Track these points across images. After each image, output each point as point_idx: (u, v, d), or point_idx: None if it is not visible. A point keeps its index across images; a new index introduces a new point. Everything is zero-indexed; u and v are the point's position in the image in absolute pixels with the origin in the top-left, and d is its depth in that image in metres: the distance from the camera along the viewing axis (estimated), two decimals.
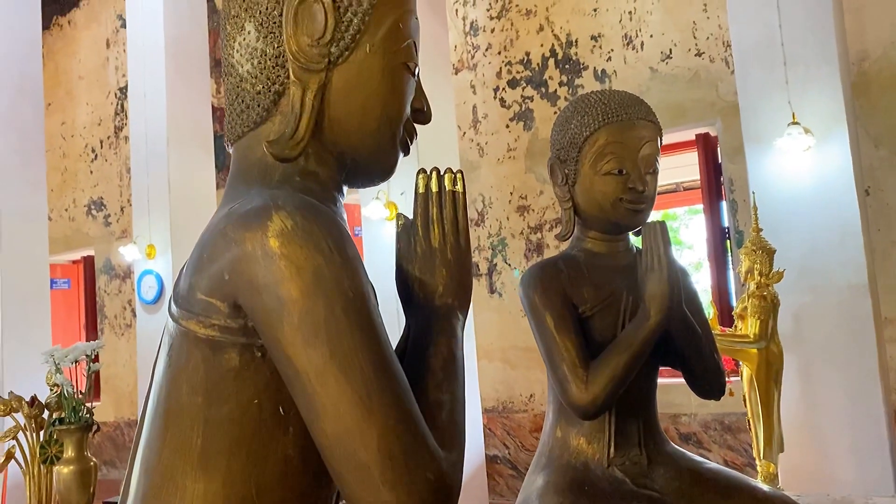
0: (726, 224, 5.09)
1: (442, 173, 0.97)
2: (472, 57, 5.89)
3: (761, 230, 2.84)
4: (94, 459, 1.99)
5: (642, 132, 1.75)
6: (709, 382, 1.79)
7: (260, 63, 0.88)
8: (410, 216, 0.99)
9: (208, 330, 0.76)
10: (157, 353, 0.88)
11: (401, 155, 0.97)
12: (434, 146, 4.52)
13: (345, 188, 0.96)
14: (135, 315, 7.57)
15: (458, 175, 0.97)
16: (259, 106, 0.89)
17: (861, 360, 3.21)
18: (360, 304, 0.73)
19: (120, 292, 8.10)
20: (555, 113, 5.47)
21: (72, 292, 8.52)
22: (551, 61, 5.54)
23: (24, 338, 5.64)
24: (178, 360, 0.78)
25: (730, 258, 5.13)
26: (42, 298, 5.88)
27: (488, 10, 5.85)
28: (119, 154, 8.14)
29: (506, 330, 5.54)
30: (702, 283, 9.07)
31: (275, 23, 0.87)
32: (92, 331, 8.40)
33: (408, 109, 0.94)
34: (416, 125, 0.97)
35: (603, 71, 5.35)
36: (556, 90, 5.53)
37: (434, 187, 0.96)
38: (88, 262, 8.54)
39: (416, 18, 0.95)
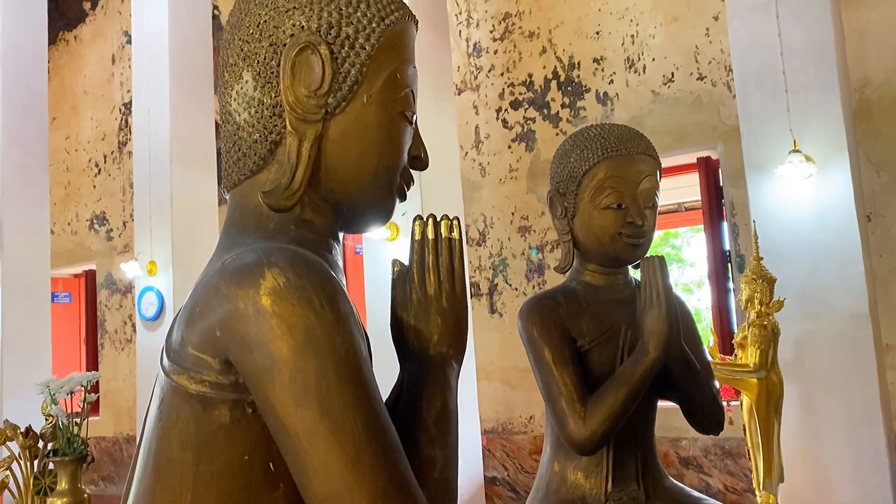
0: (727, 247, 5.09)
1: (439, 220, 0.97)
2: (475, 78, 5.91)
3: (762, 259, 2.84)
4: (87, 491, 1.98)
5: (641, 166, 1.76)
6: (707, 418, 1.79)
7: (257, 112, 0.88)
8: (406, 261, 0.99)
9: (199, 386, 0.76)
10: (150, 402, 0.88)
11: (398, 201, 0.97)
12: (436, 166, 4.52)
13: (340, 235, 0.96)
14: (135, 330, 7.57)
15: (455, 222, 0.97)
16: (255, 155, 0.89)
17: (862, 389, 3.19)
18: (351, 362, 0.73)
19: (121, 307, 8.10)
20: (556, 135, 5.48)
21: (73, 306, 8.52)
22: (553, 83, 5.56)
23: (24, 351, 5.65)
24: (169, 415, 0.78)
25: (731, 281, 5.12)
26: (43, 312, 5.89)
27: (491, 32, 5.88)
28: (122, 169, 8.17)
29: (506, 350, 5.53)
30: (703, 302, 9.06)
31: (272, 73, 0.87)
32: (92, 345, 8.39)
33: (405, 157, 0.94)
34: (413, 171, 0.97)
35: (605, 94, 5.37)
36: (558, 112, 5.55)
37: (431, 234, 0.96)
38: (90, 276, 8.55)
39: (415, 67, 0.95)
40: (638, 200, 1.74)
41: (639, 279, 1.89)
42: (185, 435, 0.77)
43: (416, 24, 0.97)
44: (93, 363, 8.32)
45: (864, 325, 3.20)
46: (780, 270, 2.92)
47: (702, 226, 5.38)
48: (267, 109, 0.88)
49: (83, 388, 1.89)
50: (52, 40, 8.35)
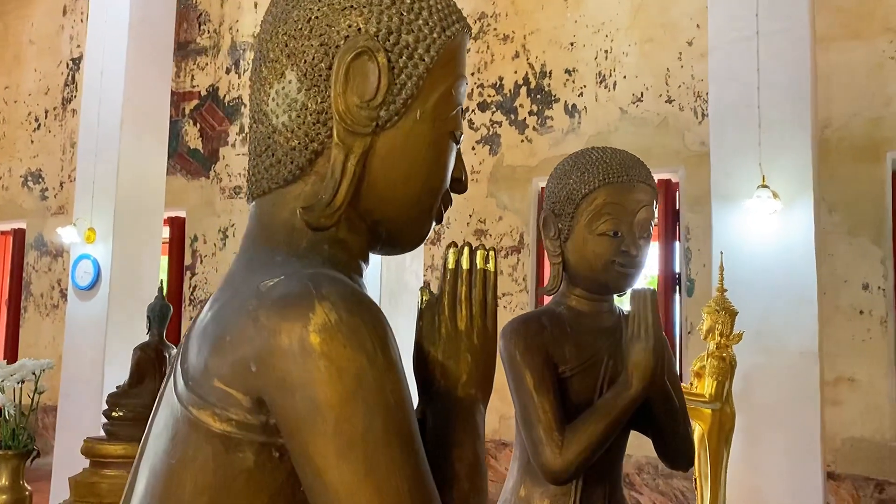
0: (678, 269, 5.16)
1: (474, 248, 0.91)
2: None
3: (726, 291, 2.86)
4: (28, 488, 1.83)
5: (640, 195, 1.73)
6: (679, 453, 1.78)
7: (299, 117, 0.80)
8: (433, 289, 0.92)
9: (224, 424, 0.68)
10: (150, 424, 0.79)
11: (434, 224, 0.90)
12: None
13: (370, 257, 0.88)
14: (63, 297, 7.25)
15: (491, 253, 0.91)
16: (292, 163, 0.81)
17: (804, 425, 3.26)
18: (401, 414, 0.66)
19: (49, 270, 7.75)
20: (521, 141, 5.46)
21: None
22: (524, 89, 5.54)
23: None
24: (185, 453, 0.69)
25: (677, 305, 5.19)
26: None
27: None
28: (65, 127, 7.80)
29: None
30: None
31: (320, 76, 0.79)
32: (15, 307, 8.00)
33: (448, 180, 0.87)
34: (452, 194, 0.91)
35: (574, 105, 5.37)
36: (525, 118, 5.53)
37: (465, 264, 0.89)
38: (19, 235, 8.14)
39: (466, 82, 0.88)
40: (634, 230, 1.71)
41: (622, 308, 1.86)
42: (202, 477, 0.68)
43: (470, 36, 0.90)
44: (13, 325, 7.93)
45: (812, 362, 3.27)
46: (737, 303, 2.95)
47: (655, 244, 5.44)
48: (311, 115, 0.79)
49: (34, 377, 1.75)
50: None
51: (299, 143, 0.80)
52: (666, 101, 5.07)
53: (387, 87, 0.79)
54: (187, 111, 6.97)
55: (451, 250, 0.90)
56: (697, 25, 4.93)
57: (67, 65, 7.95)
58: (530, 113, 5.50)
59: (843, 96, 4.50)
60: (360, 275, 0.84)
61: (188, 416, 0.70)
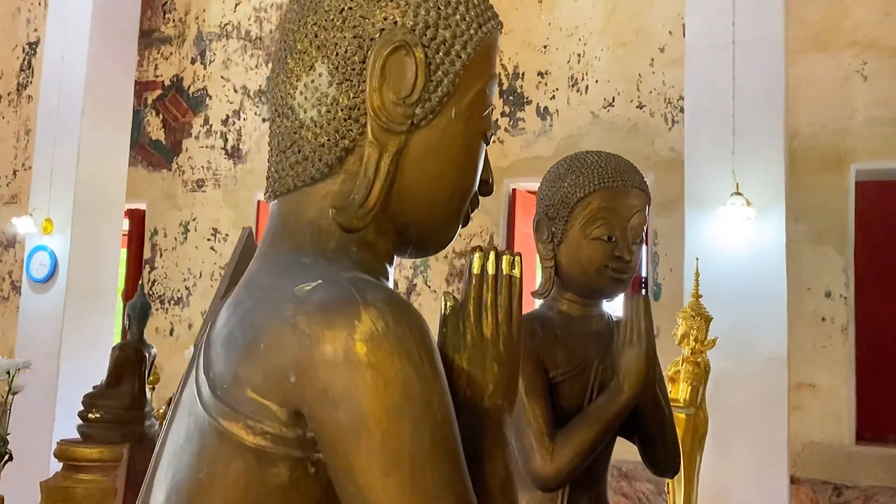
0: (644, 273, 5.20)
1: (500, 253, 0.88)
2: None
3: (701, 296, 2.88)
4: (1, 495, 1.74)
5: (634, 201, 1.74)
6: (667, 460, 1.79)
7: (329, 112, 0.76)
8: (455, 295, 0.89)
9: (258, 438, 0.64)
10: (164, 435, 0.74)
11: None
12: None
13: (395, 260, 0.85)
14: (14, 289, 7.02)
15: (517, 258, 0.88)
16: (321, 160, 0.77)
17: (772, 430, 3.31)
18: (447, 429, 0.63)
19: (0, 262, 7.49)
20: (493, 142, 5.45)
21: None
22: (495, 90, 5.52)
23: None
24: (213, 467, 0.65)
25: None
26: None
27: None
28: (19, 113, 7.54)
29: None
30: None
31: (353, 70, 0.75)
32: None
33: (478, 182, 0.84)
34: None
35: (546, 108, 5.37)
36: (497, 119, 5.52)
37: (491, 269, 0.86)
38: None
39: (498, 82, 0.85)
40: (627, 235, 1.71)
41: (611, 313, 1.86)
42: (232, 494, 0.64)
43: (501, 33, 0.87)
44: None
45: (780, 368, 3.32)
46: (709, 309, 2.97)
47: None
48: (342, 111, 0.75)
49: (8, 377, 1.66)
50: None
51: (329, 140, 0.76)
52: (637, 107, 5.10)
53: (423, 83, 0.76)
54: (150, 101, 6.80)
55: (477, 254, 0.87)
56: (670, 32, 4.98)
57: (24, 49, 7.68)
58: (502, 114, 5.50)
59: (809, 108, 4.58)
60: (387, 279, 0.81)
61: (217, 427, 0.65)
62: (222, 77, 6.59)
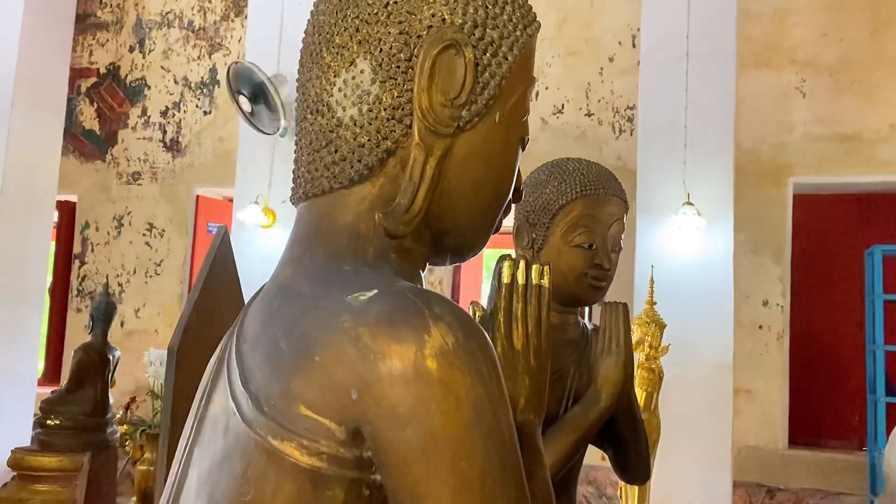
0: None
1: (529, 263, 0.86)
2: None
3: (655, 304, 2.92)
4: None
5: (614, 209, 1.74)
6: (639, 468, 1.80)
7: (371, 111, 0.72)
8: (483, 303, 0.86)
9: (313, 458, 0.59)
10: (187, 453, 0.69)
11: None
12: None
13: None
14: None
15: (546, 268, 0.86)
16: (360, 161, 0.72)
17: (716, 436, 3.39)
18: (514, 452, 0.60)
19: None
20: None
21: None
22: None
23: None
24: (262, 489, 0.60)
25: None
26: None
27: None
28: None
29: None
30: None
31: (398, 68, 0.71)
32: None
33: (513, 187, 0.82)
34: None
35: None
36: None
37: (521, 279, 0.84)
38: None
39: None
40: (607, 243, 1.72)
41: (586, 321, 1.86)
42: None
43: None
44: None
45: (726, 374, 3.41)
46: (661, 316, 3.03)
47: None
48: (385, 110, 0.71)
49: None
50: None
51: (369, 140, 0.72)
52: (586, 115, 5.17)
53: (471, 85, 0.73)
54: (83, 89, 6.52)
55: (507, 264, 0.85)
56: (619, 42, 5.06)
57: None
58: None
59: (751, 122, 4.72)
60: (422, 286, 0.77)
61: (265, 446, 0.60)
62: (162, 67, 6.37)
